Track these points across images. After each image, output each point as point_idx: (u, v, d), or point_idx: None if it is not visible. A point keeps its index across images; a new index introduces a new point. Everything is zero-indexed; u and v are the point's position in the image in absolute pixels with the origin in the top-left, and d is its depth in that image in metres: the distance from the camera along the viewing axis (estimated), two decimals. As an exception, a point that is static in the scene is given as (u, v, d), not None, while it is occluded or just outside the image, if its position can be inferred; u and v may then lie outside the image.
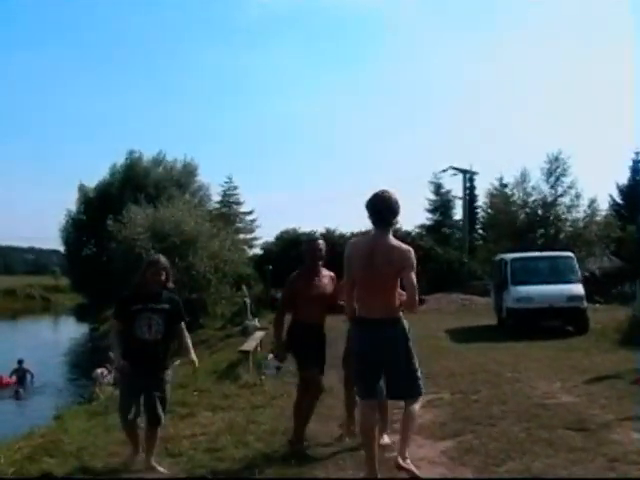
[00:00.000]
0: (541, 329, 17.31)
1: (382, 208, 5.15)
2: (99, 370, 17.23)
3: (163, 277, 6.04)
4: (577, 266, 19.51)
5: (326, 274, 6.51)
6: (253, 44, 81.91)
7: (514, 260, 19.75)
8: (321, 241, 6.54)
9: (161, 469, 5.99)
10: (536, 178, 42.39)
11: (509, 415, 7.35)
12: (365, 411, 5.18)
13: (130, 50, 78.42)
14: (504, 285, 19.29)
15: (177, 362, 7.45)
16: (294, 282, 6.48)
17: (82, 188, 52.05)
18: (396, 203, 5.19)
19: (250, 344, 13.56)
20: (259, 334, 16.26)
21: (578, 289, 18.11)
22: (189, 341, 6.33)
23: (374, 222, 5.20)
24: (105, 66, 74.98)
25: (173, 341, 6.23)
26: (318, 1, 79.92)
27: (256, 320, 22.75)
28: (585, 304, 17.94)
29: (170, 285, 6.18)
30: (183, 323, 6.27)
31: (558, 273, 18.87)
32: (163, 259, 6.17)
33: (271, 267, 29.33)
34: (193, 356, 6.38)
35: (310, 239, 6.75)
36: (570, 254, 20.59)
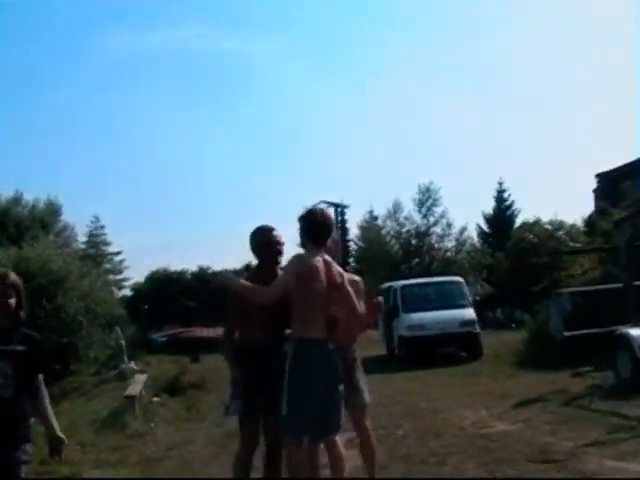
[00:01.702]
0: (433, 356, 16.88)
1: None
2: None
3: (12, 300, 3.97)
4: (467, 290, 19.34)
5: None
6: (113, 80, 79.32)
7: (404, 287, 19.31)
8: (277, 232, 4.93)
9: None
10: (408, 209, 43.32)
11: (453, 450, 6.52)
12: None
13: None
14: (394, 313, 18.70)
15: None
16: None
17: None
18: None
19: (135, 388, 12.14)
20: (141, 377, 14.79)
21: (470, 314, 17.87)
22: (49, 407, 4.13)
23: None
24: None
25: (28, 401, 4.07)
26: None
27: (132, 363, 21.30)
28: (478, 329, 17.68)
29: (22, 316, 4.06)
30: (41, 376, 4.11)
31: (449, 298, 18.53)
32: (13, 275, 4.11)
33: (147, 306, 27.78)
34: (58, 432, 4.05)
35: (263, 228, 4.91)
36: (459, 279, 20.45)
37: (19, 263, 25.67)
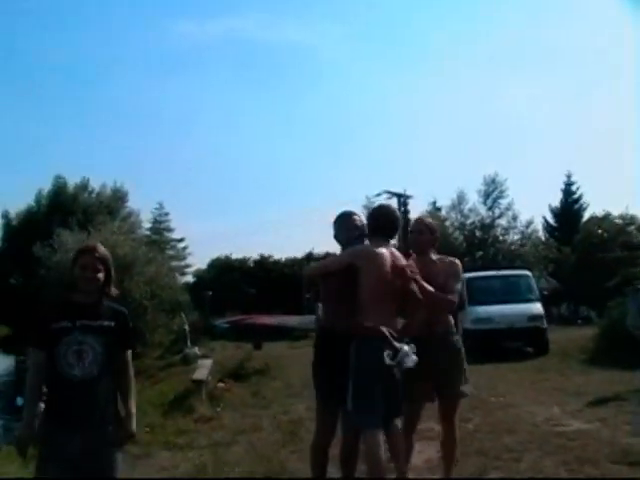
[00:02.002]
0: (498, 351, 16.54)
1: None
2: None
3: (101, 275, 3.78)
4: (535, 284, 18.92)
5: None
6: (176, 70, 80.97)
7: (470, 279, 18.92)
8: (358, 217, 4.93)
9: None
10: (473, 200, 42.61)
11: (528, 447, 6.34)
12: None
13: (44, 74, 75.66)
14: (459, 306, 18.39)
15: None
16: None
17: (5, 215, 49.61)
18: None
19: (201, 372, 12.27)
20: (206, 362, 14.95)
21: (538, 309, 17.46)
22: (134, 392, 3.96)
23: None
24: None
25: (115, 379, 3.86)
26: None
27: (196, 348, 21.58)
28: (545, 324, 17.28)
29: (114, 292, 3.91)
30: (130, 352, 3.99)
31: (516, 292, 18.15)
32: (102, 248, 3.92)
33: (211, 293, 28.11)
34: (134, 426, 3.88)
35: (344, 214, 4.91)
36: (527, 272, 19.99)
37: (87, 248, 26.25)
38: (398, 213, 4.97)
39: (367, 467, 4.31)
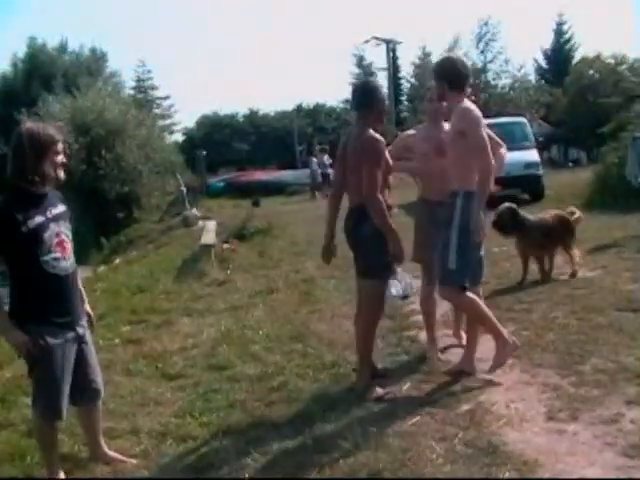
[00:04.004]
0: (494, 200, 16.70)
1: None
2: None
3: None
4: (530, 131, 18.90)
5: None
6: None
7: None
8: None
9: (125, 458, 3.93)
10: (466, 45, 41.61)
11: (538, 297, 6.69)
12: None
13: None
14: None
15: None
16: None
17: (-21, 83, 48.02)
18: None
19: (209, 236, 12.46)
20: (211, 224, 15.13)
21: (534, 155, 17.54)
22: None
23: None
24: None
25: None
26: None
27: (194, 209, 21.72)
28: (541, 171, 17.42)
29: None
30: None
31: (512, 140, 18.03)
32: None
33: (205, 152, 28.01)
34: (88, 307, 3.91)
35: (378, 85, 5.04)
36: (523, 119, 19.93)
37: (75, 114, 25.78)
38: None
39: (473, 323, 4.70)
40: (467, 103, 4.48)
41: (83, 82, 29.66)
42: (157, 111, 55.02)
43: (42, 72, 43.41)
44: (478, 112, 4.46)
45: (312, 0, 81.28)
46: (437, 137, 5.01)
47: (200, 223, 18.41)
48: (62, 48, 48.35)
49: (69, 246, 3.58)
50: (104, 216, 23.68)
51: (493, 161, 4.37)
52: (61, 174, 3.59)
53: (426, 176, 5.17)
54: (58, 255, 3.50)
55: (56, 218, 3.55)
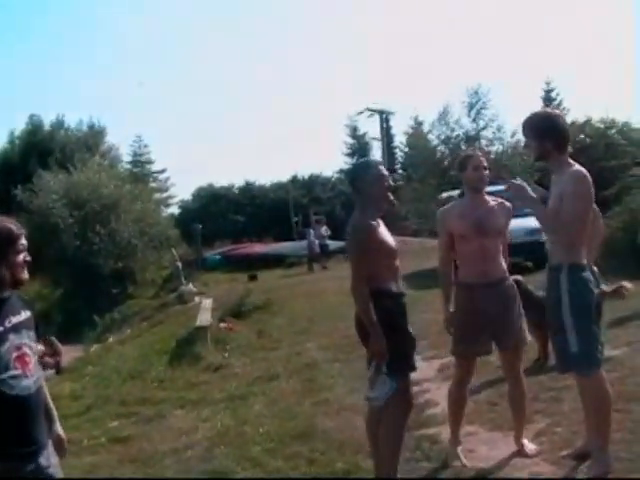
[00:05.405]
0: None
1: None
2: None
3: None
4: (530, 198, 18.61)
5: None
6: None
7: (465, 197, 18.63)
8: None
9: None
10: (457, 113, 41.91)
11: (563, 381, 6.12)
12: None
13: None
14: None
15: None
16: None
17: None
18: None
19: (205, 317, 11.92)
20: (207, 302, 14.58)
21: (535, 222, 17.15)
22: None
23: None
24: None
25: None
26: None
27: (190, 284, 21.24)
28: (544, 237, 17.03)
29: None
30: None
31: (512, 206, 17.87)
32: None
33: (201, 226, 27.76)
34: (59, 429, 3.25)
35: (373, 162, 4.43)
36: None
37: (70, 189, 25.64)
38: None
39: (595, 412, 4.17)
40: (578, 166, 4.10)
41: (79, 157, 29.66)
42: (153, 185, 55.24)
43: (40, 148, 43.61)
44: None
45: (304, 72, 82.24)
46: (475, 214, 4.57)
47: (196, 299, 17.93)
48: (59, 123, 48.71)
49: (32, 360, 2.95)
50: (98, 292, 23.30)
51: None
52: (25, 275, 3.03)
53: (464, 258, 4.68)
54: (18, 372, 2.85)
55: (17, 328, 2.92)
